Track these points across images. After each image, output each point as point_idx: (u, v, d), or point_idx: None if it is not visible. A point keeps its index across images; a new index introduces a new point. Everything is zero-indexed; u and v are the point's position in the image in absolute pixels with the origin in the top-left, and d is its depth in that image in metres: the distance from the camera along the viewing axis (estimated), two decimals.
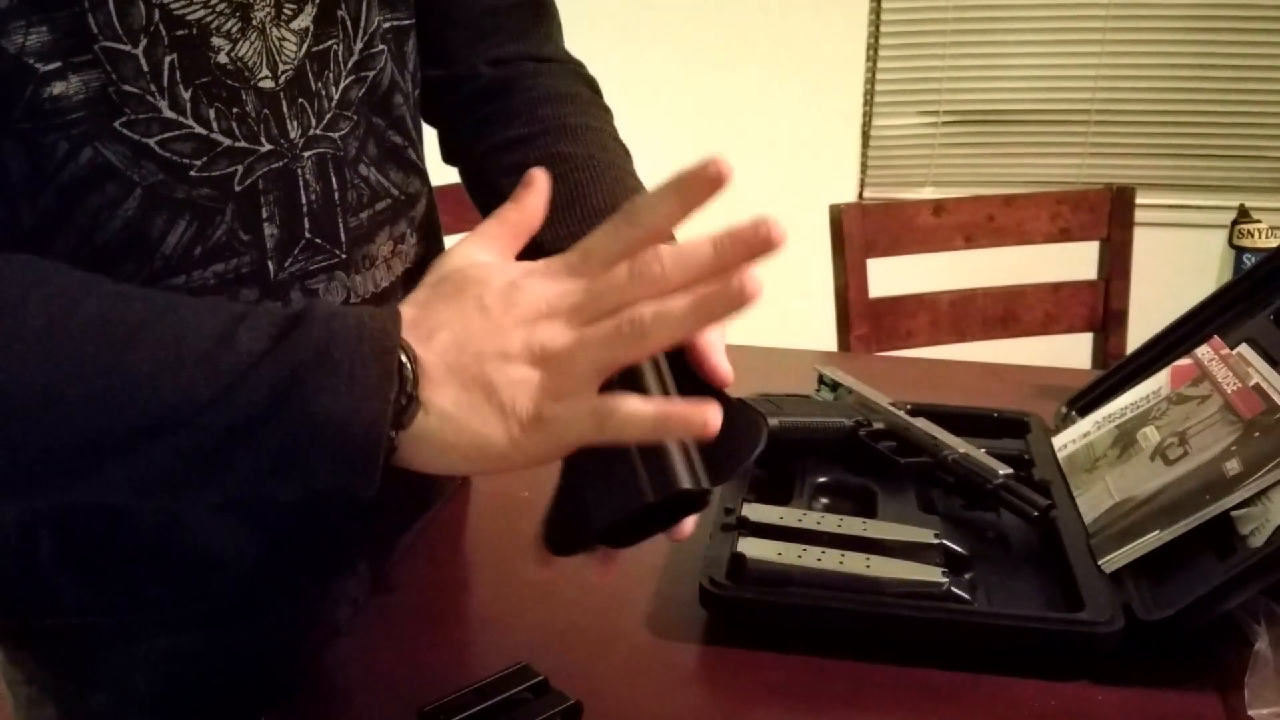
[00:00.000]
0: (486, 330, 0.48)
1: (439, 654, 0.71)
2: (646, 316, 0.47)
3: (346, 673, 0.68)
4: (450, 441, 0.48)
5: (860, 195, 2.93)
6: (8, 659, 0.75)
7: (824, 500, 0.85)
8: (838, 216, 1.55)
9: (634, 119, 2.54)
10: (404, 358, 0.47)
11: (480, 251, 0.54)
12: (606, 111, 0.82)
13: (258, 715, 0.64)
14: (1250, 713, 0.62)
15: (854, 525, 0.75)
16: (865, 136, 2.90)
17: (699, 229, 0.49)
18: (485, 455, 0.48)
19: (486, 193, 0.76)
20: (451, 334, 0.48)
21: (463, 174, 0.80)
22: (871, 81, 2.85)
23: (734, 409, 0.52)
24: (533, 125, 0.76)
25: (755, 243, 0.46)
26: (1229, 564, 0.67)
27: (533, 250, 0.71)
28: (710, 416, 0.45)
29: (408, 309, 0.50)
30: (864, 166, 2.92)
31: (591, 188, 0.71)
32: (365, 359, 0.46)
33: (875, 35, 2.82)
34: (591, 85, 0.83)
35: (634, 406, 0.46)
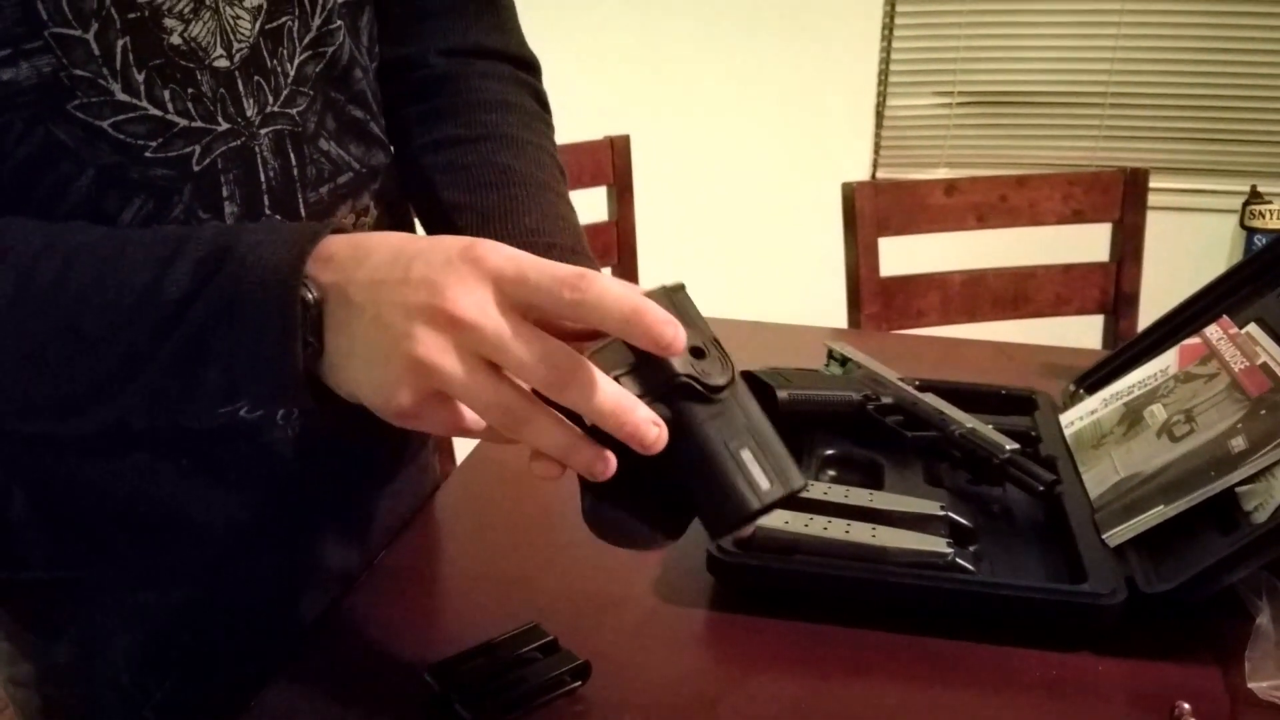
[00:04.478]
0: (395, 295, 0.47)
1: (449, 614, 0.72)
2: (526, 419, 0.46)
3: (356, 631, 0.69)
4: (346, 379, 0.49)
5: (874, 175, 2.92)
6: None
7: (831, 472, 0.85)
8: (850, 195, 1.55)
9: (649, 96, 2.54)
10: (310, 295, 0.48)
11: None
12: (549, 127, 0.81)
13: (251, 683, 0.64)
14: (1250, 685, 0.63)
15: (861, 496, 0.76)
16: (879, 116, 2.88)
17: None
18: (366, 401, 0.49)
19: (419, 184, 0.76)
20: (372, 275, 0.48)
21: (398, 159, 0.79)
22: (886, 61, 2.84)
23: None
24: (474, 128, 0.76)
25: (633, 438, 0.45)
26: (1232, 539, 0.67)
27: (444, 224, 0.71)
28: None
29: (349, 237, 0.50)
30: (878, 146, 2.91)
31: (527, 204, 0.71)
32: (269, 312, 0.48)
33: (890, 15, 2.80)
34: (539, 98, 0.82)
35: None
